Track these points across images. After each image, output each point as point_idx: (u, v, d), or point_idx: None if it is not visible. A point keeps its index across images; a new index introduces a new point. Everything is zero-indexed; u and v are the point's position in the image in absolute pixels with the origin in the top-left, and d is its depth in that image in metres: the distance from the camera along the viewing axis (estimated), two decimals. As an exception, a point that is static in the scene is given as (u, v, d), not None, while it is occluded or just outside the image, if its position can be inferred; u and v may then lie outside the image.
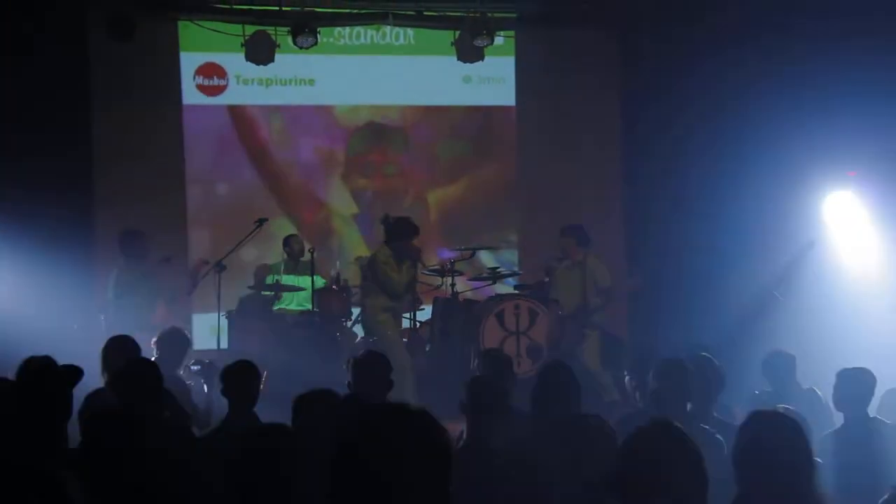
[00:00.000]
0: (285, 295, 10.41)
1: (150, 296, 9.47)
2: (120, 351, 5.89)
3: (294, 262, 10.61)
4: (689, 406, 4.98)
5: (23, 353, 4.99)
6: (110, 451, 4.18)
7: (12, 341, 8.60)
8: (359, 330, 10.62)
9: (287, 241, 10.68)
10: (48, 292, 9.83)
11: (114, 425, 4.72)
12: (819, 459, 3.51)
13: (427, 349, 10.37)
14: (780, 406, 4.15)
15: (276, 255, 10.84)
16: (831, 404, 6.08)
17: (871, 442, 5.10)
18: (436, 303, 10.55)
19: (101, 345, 6.14)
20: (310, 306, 10.18)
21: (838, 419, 5.63)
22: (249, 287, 10.65)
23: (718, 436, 4.58)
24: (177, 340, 6.99)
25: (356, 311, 10.47)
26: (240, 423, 5.05)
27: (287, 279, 10.41)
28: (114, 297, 9.39)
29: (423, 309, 10.51)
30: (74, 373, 4.44)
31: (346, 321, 10.39)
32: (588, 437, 4.33)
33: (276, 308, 10.51)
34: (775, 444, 3.25)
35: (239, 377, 5.40)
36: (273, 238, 10.78)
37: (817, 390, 6.22)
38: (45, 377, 4.18)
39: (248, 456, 3.51)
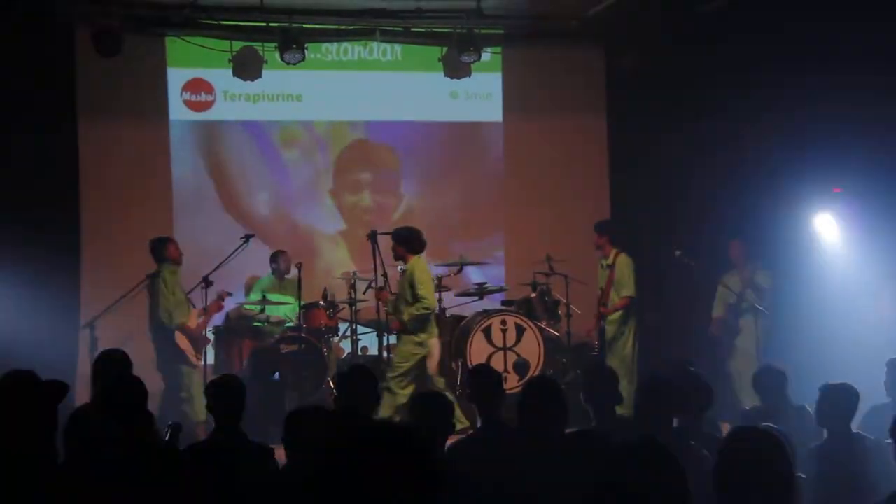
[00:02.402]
0: (270, 311, 10.38)
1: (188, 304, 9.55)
2: (111, 365, 5.84)
3: (280, 279, 10.61)
4: (675, 422, 4.98)
5: (7, 368, 4.96)
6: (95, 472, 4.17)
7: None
8: (346, 345, 10.61)
9: (274, 258, 10.69)
10: (33, 308, 9.81)
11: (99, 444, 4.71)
12: (802, 475, 3.51)
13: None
14: (764, 423, 4.16)
15: (263, 269, 10.82)
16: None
17: (853, 457, 5.10)
18: (423, 318, 10.54)
19: (84, 360, 6.10)
20: (294, 322, 10.17)
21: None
22: (236, 303, 10.63)
23: (705, 451, 4.58)
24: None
25: (343, 326, 10.46)
26: (225, 439, 5.03)
27: (272, 297, 10.39)
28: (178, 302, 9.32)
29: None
30: (60, 388, 4.41)
31: (332, 337, 10.38)
32: (574, 454, 4.34)
33: (260, 324, 10.49)
34: (755, 462, 3.25)
35: (224, 393, 5.38)
36: (259, 253, 10.75)
37: (808, 407, 6.23)
38: (29, 392, 4.14)
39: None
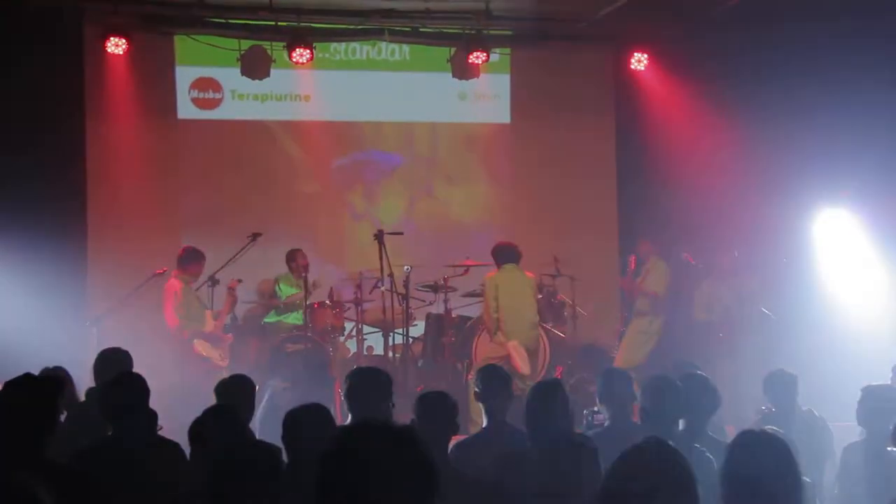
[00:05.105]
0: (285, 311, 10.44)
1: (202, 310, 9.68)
2: (112, 363, 5.85)
3: (297, 277, 10.58)
4: (681, 424, 4.98)
5: (12, 364, 4.95)
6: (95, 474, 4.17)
7: (3, 353, 8.59)
8: (351, 345, 10.60)
9: (292, 256, 10.64)
10: (40, 304, 9.83)
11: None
12: (807, 479, 3.52)
13: (419, 364, 10.37)
14: (769, 427, 4.15)
15: (271, 268, 10.82)
16: (830, 425, 6.14)
17: (890, 458, 5.15)
18: (428, 318, 10.55)
19: (92, 357, 6.11)
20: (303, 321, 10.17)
21: (841, 440, 5.72)
22: (248, 303, 10.65)
23: (709, 455, 4.57)
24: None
25: (349, 325, 10.46)
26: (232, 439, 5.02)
27: (287, 292, 10.41)
28: (185, 316, 9.49)
29: (415, 325, 10.50)
30: (58, 383, 4.41)
31: (338, 336, 10.37)
32: (579, 457, 4.34)
33: (270, 321, 10.50)
34: (762, 465, 3.25)
35: (234, 391, 5.39)
36: (267, 252, 10.76)
37: (815, 411, 6.24)
38: (28, 388, 4.14)
39: (223, 473, 3.50)
